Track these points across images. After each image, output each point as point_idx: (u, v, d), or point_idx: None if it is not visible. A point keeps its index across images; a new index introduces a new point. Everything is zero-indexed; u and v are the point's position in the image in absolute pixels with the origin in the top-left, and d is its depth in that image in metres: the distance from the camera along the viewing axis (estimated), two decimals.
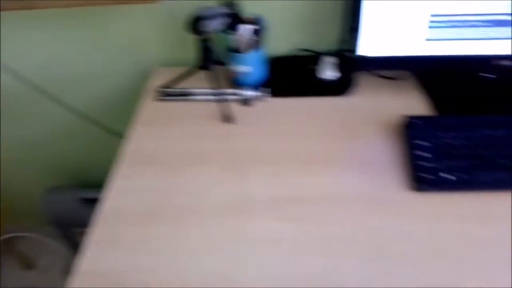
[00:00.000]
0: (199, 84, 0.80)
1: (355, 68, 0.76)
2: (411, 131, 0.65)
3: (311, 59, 0.80)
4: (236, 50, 0.74)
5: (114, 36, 0.87)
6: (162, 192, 0.63)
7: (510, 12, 0.62)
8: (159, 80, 0.84)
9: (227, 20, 0.71)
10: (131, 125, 0.76)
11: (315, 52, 0.82)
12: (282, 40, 0.83)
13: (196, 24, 0.70)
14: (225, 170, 0.66)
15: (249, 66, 0.75)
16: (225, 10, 0.71)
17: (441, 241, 0.54)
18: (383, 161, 0.64)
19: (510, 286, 0.49)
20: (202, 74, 0.76)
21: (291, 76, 0.79)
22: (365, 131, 0.69)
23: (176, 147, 0.71)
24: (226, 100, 0.76)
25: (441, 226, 0.55)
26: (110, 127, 1.05)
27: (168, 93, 0.81)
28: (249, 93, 0.77)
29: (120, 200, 0.62)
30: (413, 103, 0.73)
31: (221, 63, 0.79)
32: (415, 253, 0.53)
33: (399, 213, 0.57)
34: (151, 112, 0.78)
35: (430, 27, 0.65)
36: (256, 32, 0.73)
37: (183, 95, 0.80)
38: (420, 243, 0.54)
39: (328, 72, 0.76)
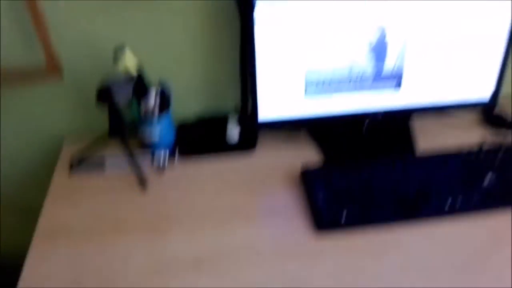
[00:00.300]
0: (111, 151, 0.83)
1: (256, 127, 0.85)
2: (307, 180, 0.76)
3: (217, 121, 0.87)
4: (145, 116, 0.79)
5: (19, 113, 0.86)
6: (83, 263, 0.64)
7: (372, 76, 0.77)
8: (71, 150, 0.85)
9: (134, 88, 0.76)
10: (46, 199, 0.75)
11: (221, 114, 0.90)
12: (189, 105, 0.90)
13: (103, 93, 0.74)
14: (145, 235, 0.69)
15: (158, 131, 0.80)
16: (132, 78, 0.76)
17: (347, 275, 0.63)
18: (288, 210, 0.73)
19: None
20: (113, 141, 0.79)
21: (199, 138, 0.86)
22: (270, 184, 0.78)
23: (93, 216, 0.72)
24: (138, 165, 0.79)
25: (345, 262, 0.65)
26: (23, 204, 1.01)
27: (81, 163, 0.81)
28: (161, 156, 0.82)
29: (40, 274, 0.62)
30: (308, 155, 0.84)
31: (131, 129, 0.82)
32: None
33: (306, 255, 0.66)
34: (65, 184, 0.78)
35: (309, 89, 0.77)
36: (162, 99, 0.79)
37: (96, 163, 0.82)
38: (329, 279, 0.62)
39: (233, 132, 0.84)
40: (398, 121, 0.89)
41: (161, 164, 0.81)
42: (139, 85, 0.77)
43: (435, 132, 0.87)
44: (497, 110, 0.89)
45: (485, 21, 0.74)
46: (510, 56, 0.79)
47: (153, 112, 0.79)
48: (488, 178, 0.74)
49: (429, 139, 0.85)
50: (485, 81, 0.80)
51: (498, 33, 0.76)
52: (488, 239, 0.67)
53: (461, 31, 0.75)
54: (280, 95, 0.78)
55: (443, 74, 0.79)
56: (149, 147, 0.82)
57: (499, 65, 0.79)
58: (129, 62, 0.75)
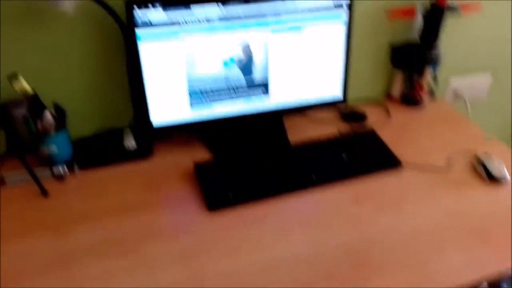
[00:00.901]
0: (11, 168, 0.87)
1: (149, 134, 0.96)
2: (199, 172, 0.88)
3: (114, 133, 0.96)
4: (42, 134, 0.85)
5: None
6: None
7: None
8: None
9: (30, 107, 0.83)
10: None
11: (117, 127, 0.98)
12: (86, 122, 0.98)
13: (0, 113, 0.80)
14: (49, 234, 0.75)
15: (55, 147, 0.87)
16: (28, 98, 0.83)
17: (235, 242, 0.75)
18: (185, 198, 0.84)
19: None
20: (13, 159, 0.84)
21: (98, 150, 0.93)
22: (168, 181, 0.88)
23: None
24: (38, 178, 0.84)
25: (234, 233, 0.77)
26: None
27: None
28: (60, 168, 0.87)
29: None
30: (200, 155, 0.96)
31: (30, 147, 0.87)
32: (217, 255, 0.72)
33: (201, 230, 0.77)
34: None
35: (193, 98, 0.91)
36: (58, 116, 0.86)
37: None
38: (220, 247, 0.74)
39: (130, 141, 0.94)
40: (272, 121, 1.06)
41: (60, 175, 0.87)
42: (35, 104, 0.84)
43: (304, 127, 1.06)
44: (351, 108, 1.11)
45: (326, 37, 0.96)
46: (349, 64, 1.01)
47: (49, 129, 0.85)
48: (344, 156, 0.93)
49: (298, 133, 1.03)
50: (336, 83, 1.02)
51: (337, 48, 0.98)
52: (349, 199, 0.84)
53: (309, 44, 0.95)
54: (168, 104, 0.90)
55: (302, 80, 0.98)
56: (48, 162, 0.88)
57: (342, 72, 1.01)
58: (25, 84, 0.82)
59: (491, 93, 1.31)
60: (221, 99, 0.93)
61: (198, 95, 0.91)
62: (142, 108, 0.88)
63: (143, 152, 0.94)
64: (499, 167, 0.89)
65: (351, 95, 1.16)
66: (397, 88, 1.15)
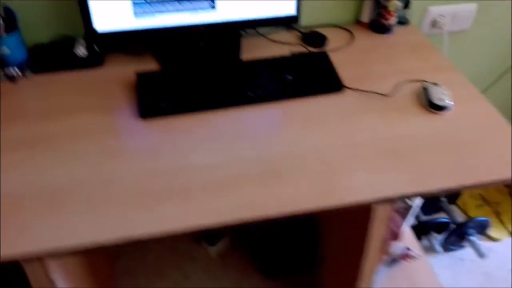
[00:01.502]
0: None
1: (95, 41, 0.98)
2: (140, 81, 0.91)
3: (68, 42, 0.99)
4: None
5: None
6: None
7: None
8: None
9: None
10: None
11: (70, 35, 1.02)
12: (42, 28, 1.01)
13: None
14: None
15: (7, 48, 0.91)
16: None
17: (157, 148, 0.80)
18: (123, 105, 0.88)
19: None
20: None
21: (51, 56, 0.98)
22: (111, 89, 0.92)
23: None
24: None
25: (163, 138, 0.81)
26: None
27: None
28: (12, 70, 0.93)
29: None
30: (150, 65, 0.99)
31: None
32: (135, 156, 0.78)
33: (129, 133, 0.82)
34: None
35: (137, 6, 0.92)
36: (8, 19, 0.90)
37: None
38: (140, 151, 0.79)
39: (81, 50, 0.97)
40: (225, 37, 1.06)
41: (12, 76, 0.93)
42: None
43: (261, 48, 1.05)
44: (313, 31, 1.09)
45: None
46: None
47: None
48: (288, 77, 0.94)
49: (254, 53, 1.03)
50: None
51: None
52: (280, 117, 0.86)
53: None
54: (112, 11, 0.91)
55: None
56: (0, 63, 0.93)
57: None
58: None
59: (475, 25, 1.24)
60: (166, 10, 0.93)
61: (142, 3, 0.91)
62: (85, 14, 0.90)
63: (94, 61, 0.98)
64: (441, 96, 0.88)
65: (318, 20, 1.13)
66: (366, 14, 1.11)
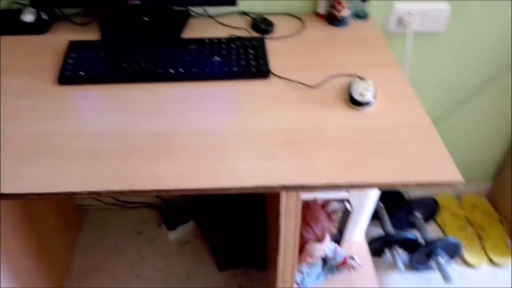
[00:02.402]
0: None
1: (45, 8, 1.04)
2: (69, 48, 0.95)
3: (18, 10, 1.05)
4: None
5: None
6: None
7: None
8: None
9: None
10: None
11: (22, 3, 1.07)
12: None
13: None
14: None
15: None
16: None
17: (60, 112, 0.83)
18: (47, 70, 0.92)
19: None
20: None
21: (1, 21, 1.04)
22: (44, 54, 0.96)
23: None
24: None
25: (65, 105, 0.84)
26: None
27: None
28: None
29: None
30: (91, 34, 1.02)
31: None
32: (37, 117, 0.81)
33: (42, 96, 0.86)
34: None
35: None
36: None
37: None
38: (44, 113, 0.82)
39: (28, 17, 1.02)
40: (170, 14, 1.08)
41: None
42: None
43: (207, 29, 1.05)
44: (263, 18, 1.07)
45: None
46: None
47: None
48: (216, 58, 0.93)
49: (198, 33, 1.04)
50: None
51: None
52: (192, 97, 0.87)
53: None
54: None
55: None
56: None
57: None
58: None
59: (450, 28, 1.16)
60: None
61: None
62: None
63: (39, 28, 1.03)
64: (363, 91, 0.84)
65: (275, 8, 1.11)
66: (322, 6, 1.08)
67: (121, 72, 0.91)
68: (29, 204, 1.19)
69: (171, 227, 1.53)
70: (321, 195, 1.01)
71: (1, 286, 1.04)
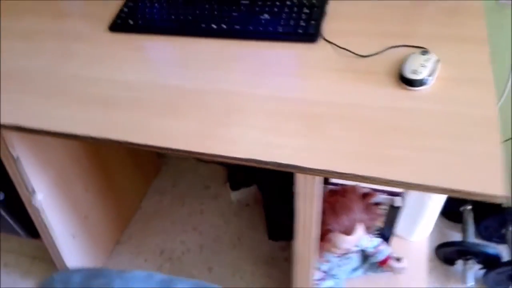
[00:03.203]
0: None
1: None
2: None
3: None
4: None
5: None
6: None
7: None
8: None
9: None
10: None
11: None
12: None
13: None
14: None
15: None
16: None
17: (107, 59, 0.86)
18: (107, 18, 0.95)
19: None
20: None
21: None
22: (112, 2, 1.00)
23: None
24: None
25: (113, 52, 0.87)
26: None
27: None
28: None
29: None
30: None
31: None
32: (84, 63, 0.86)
33: (95, 42, 0.90)
34: None
35: None
36: None
37: None
38: (93, 58, 0.86)
39: None
40: None
41: None
42: None
43: None
44: None
45: None
46: None
47: None
48: (266, 16, 0.86)
49: None
50: None
51: None
52: (235, 55, 0.83)
53: None
54: None
55: None
56: None
57: None
58: None
59: None
60: None
61: None
62: None
63: None
64: (417, 68, 0.69)
65: None
66: None
67: (167, 24, 0.90)
68: (102, 150, 1.29)
69: (234, 187, 1.54)
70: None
71: None
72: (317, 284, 0.97)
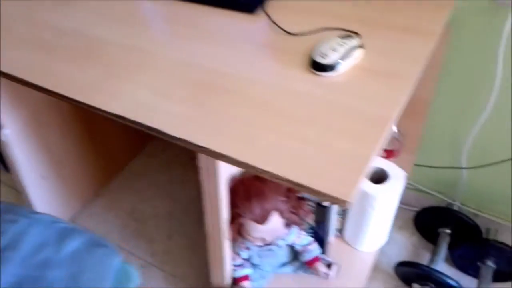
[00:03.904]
0: None
1: None
2: None
3: None
4: None
5: None
6: None
7: None
8: None
9: None
10: None
11: None
12: None
13: None
14: None
15: None
16: None
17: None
18: None
19: None
20: None
21: None
22: None
23: None
24: None
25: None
26: None
27: None
28: None
29: None
30: None
31: None
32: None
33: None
34: None
35: None
36: None
37: None
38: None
39: None
40: None
41: None
42: None
43: None
44: None
45: None
46: None
47: None
48: None
49: None
50: None
51: None
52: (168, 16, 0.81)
53: None
54: None
55: None
56: None
57: None
58: None
59: None
60: None
61: None
62: None
63: None
64: (327, 52, 0.63)
65: None
66: None
67: None
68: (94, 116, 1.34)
69: None
70: None
71: None
72: (235, 269, 0.94)
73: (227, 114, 0.61)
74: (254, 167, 0.54)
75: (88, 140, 1.41)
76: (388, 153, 1.05)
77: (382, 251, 1.21)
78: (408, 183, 1.24)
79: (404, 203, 1.29)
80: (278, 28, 0.74)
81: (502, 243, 1.11)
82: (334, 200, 0.50)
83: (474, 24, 0.88)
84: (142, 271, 1.30)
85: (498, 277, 1.13)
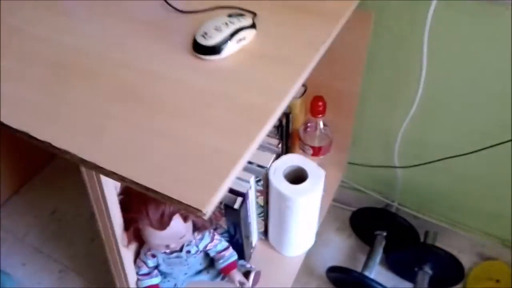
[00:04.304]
0: None
1: None
2: None
3: None
4: None
5: None
6: None
7: None
8: None
9: None
10: None
11: None
12: None
13: None
14: None
15: None
16: None
17: None
18: None
19: None
20: None
21: None
22: None
23: None
24: None
25: None
26: None
27: None
28: None
29: None
30: None
31: None
32: None
33: None
34: None
35: None
36: None
37: None
38: None
39: None
40: None
41: None
42: None
43: None
44: None
45: None
46: None
47: None
48: None
49: None
50: None
51: None
52: None
53: None
54: None
55: None
56: None
57: None
58: None
59: None
60: None
61: None
62: None
63: None
64: (211, 32, 0.54)
65: None
66: None
67: None
68: None
69: None
70: None
71: None
72: (140, 279, 0.85)
73: (78, 102, 0.52)
74: (99, 167, 0.45)
75: (5, 135, 1.28)
76: (316, 150, 0.97)
77: (317, 254, 1.14)
78: (344, 182, 1.17)
79: (342, 202, 1.22)
80: (167, 4, 0.65)
81: (439, 248, 1.05)
82: (189, 209, 0.41)
83: (396, 8, 0.80)
84: (59, 275, 1.20)
85: (435, 283, 1.08)
